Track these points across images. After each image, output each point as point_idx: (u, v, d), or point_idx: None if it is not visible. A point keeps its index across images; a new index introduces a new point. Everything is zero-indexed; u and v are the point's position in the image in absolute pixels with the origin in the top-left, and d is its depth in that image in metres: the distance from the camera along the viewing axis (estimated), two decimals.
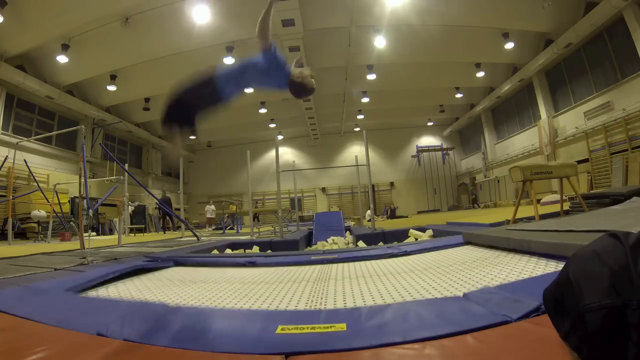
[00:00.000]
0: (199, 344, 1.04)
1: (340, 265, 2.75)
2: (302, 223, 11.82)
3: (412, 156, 22.80)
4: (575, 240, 1.89)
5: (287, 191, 14.53)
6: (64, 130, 8.05)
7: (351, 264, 2.78)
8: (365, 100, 16.58)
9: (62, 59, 10.37)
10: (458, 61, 13.81)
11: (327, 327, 1.12)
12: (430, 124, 22.25)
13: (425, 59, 13.22)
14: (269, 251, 5.49)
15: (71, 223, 9.53)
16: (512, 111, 16.46)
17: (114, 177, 9.41)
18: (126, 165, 9.06)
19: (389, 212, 18.16)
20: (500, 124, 17.85)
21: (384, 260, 2.83)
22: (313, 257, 3.09)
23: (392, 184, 22.39)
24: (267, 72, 1.77)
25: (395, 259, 2.85)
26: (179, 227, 11.82)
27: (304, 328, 1.12)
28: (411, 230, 5.77)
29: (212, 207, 13.99)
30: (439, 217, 10.51)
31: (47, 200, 7.96)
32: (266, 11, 1.73)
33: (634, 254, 0.46)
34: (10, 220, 7.35)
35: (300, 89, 1.81)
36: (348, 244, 6.54)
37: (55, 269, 3.06)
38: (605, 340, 0.44)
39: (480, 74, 14.27)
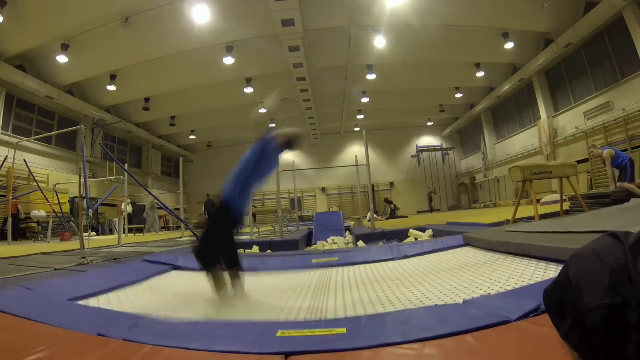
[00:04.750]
0: (200, 345, 1.04)
1: (340, 270, 2.74)
2: (302, 223, 11.81)
3: (412, 156, 22.78)
4: (575, 244, 1.89)
5: (287, 191, 14.51)
6: (64, 130, 8.04)
7: (351, 268, 2.77)
8: (365, 100, 16.56)
9: (62, 59, 10.36)
10: (458, 61, 13.80)
11: (328, 331, 1.11)
12: (430, 124, 22.23)
13: (425, 59, 13.21)
14: (268, 251, 5.48)
15: (71, 223, 9.52)
16: (512, 111, 16.45)
17: (114, 177, 9.40)
18: (126, 165, 9.05)
19: (389, 211, 18.10)
20: (500, 124, 17.84)
21: (383, 264, 2.83)
22: (314, 261, 3.07)
23: (392, 184, 22.37)
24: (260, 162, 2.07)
25: (395, 262, 2.84)
26: (178, 227, 11.81)
27: (304, 332, 1.12)
28: (411, 231, 5.77)
29: None
30: (439, 217, 10.51)
31: (47, 200, 7.96)
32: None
33: (633, 253, 0.47)
34: (10, 220, 7.34)
35: (291, 144, 2.14)
36: (348, 244, 6.53)
37: (55, 269, 3.06)
38: (606, 339, 0.44)
39: (480, 74, 14.26)
